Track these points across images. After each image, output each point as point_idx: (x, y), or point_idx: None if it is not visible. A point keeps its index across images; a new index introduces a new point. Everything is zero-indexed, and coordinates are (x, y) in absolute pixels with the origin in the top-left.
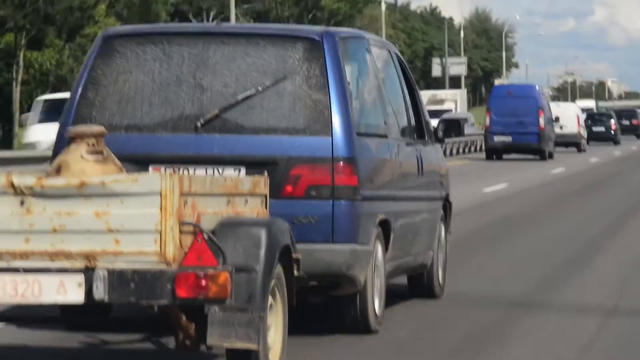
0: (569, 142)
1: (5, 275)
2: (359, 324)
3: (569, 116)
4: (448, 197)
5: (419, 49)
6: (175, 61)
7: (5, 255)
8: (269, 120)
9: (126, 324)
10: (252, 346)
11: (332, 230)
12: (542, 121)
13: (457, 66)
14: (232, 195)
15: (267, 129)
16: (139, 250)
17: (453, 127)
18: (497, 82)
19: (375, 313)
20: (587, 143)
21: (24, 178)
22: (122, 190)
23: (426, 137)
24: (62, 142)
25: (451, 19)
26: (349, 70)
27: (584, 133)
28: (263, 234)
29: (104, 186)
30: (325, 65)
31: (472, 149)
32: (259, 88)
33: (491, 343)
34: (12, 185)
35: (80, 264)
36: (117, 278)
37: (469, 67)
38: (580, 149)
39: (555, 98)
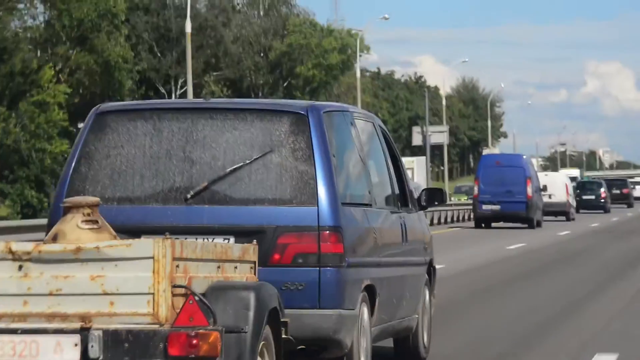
0: (558, 211)
1: (4, 336)
2: None
3: (557, 185)
4: (432, 262)
5: (403, 118)
6: (165, 135)
7: (4, 318)
8: (257, 191)
9: None
10: None
11: (318, 296)
12: (529, 190)
13: (439, 134)
14: (222, 261)
15: (255, 199)
16: (133, 312)
17: (436, 195)
18: (485, 151)
19: None
20: (577, 211)
21: (22, 245)
22: (117, 254)
23: (410, 205)
24: (57, 212)
25: (436, 88)
26: (333, 143)
27: (573, 202)
28: (252, 297)
29: (99, 251)
30: (311, 138)
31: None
32: (247, 161)
33: None
34: (11, 251)
35: (76, 324)
36: (112, 338)
37: (455, 137)
38: (569, 218)
39: (545, 167)
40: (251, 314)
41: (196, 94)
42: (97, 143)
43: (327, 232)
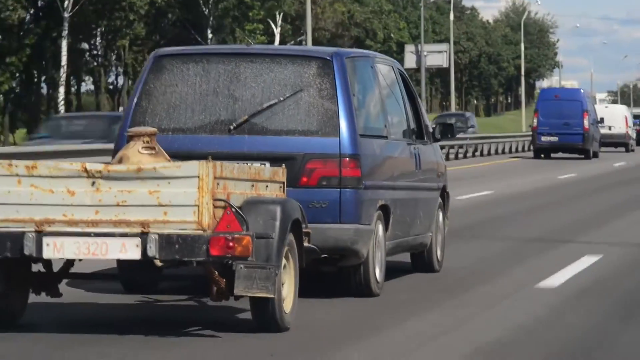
0: (618, 142)
1: (80, 238)
2: (363, 289)
3: (617, 118)
4: (445, 188)
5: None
6: (212, 76)
7: (80, 223)
8: (288, 124)
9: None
10: (269, 295)
11: (339, 213)
12: (586, 122)
13: (437, 55)
14: (255, 181)
15: (287, 131)
16: (182, 220)
17: (448, 129)
18: (545, 84)
19: (377, 280)
20: (638, 144)
21: (95, 165)
22: (169, 174)
23: (425, 138)
24: (122, 140)
25: (473, 8)
26: (355, 84)
27: (632, 134)
28: (278, 210)
29: (156, 171)
30: (335, 79)
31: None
32: (280, 98)
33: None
34: (86, 170)
35: (137, 229)
36: (166, 240)
37: (498, 65)
38: (628, 149)
39: (614, 102)
40: (277, 223)
41: None
42: (156, 82)
43: (347, 159)
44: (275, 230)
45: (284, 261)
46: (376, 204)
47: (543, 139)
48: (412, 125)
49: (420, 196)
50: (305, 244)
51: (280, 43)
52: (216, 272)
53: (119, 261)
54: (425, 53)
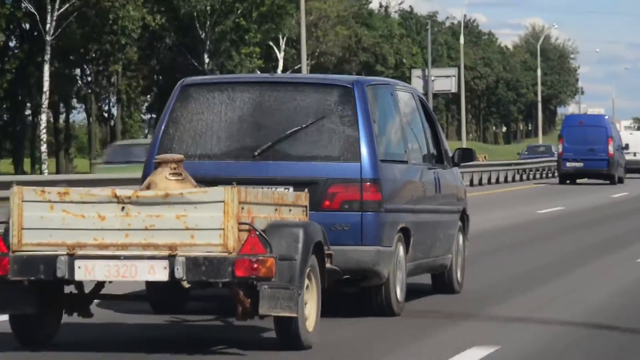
0: (634, 168)
1: (110, 261)
2: (384, 309)
3: (638, 144)
4: (465, 211)
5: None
6: (237, 104)
7: (110, 247)
8: (311, 150)
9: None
10: (292, 315)
11: (361, 235)
12: (611, 148)
13: (444, 80)
14: (279, 205)
15: (310, 156)
16: (208, 243)
17: (467, 155)
18: (570, 110)
19: (398, 300)
20: None
21: (124, 191)
22: (196, 199)
23: (445, 163)
24: (150, 166)
25: (490, 33)
26: (375, 111)
27: None
28: (301, 233)
29: (183, 196)
30: (356, 107)
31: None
32: (303, 125)
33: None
34: (116, 195)
35: (165, 252)
36: (192, 262)
37: (517, 92)
38: None
39: (639, 129)
40: (300, 245)
41: None
42: (182, 110)
43: (368, 183)
44: (298, 252)
45: (306, 282)
46: (397, 226)
47: (568, 164)
48: (432, 150)
49: (440, 219)
50: (328, 265)
51: (284, 69)
52: (241, 293)
53: (147, 283)
54: (432, 78)
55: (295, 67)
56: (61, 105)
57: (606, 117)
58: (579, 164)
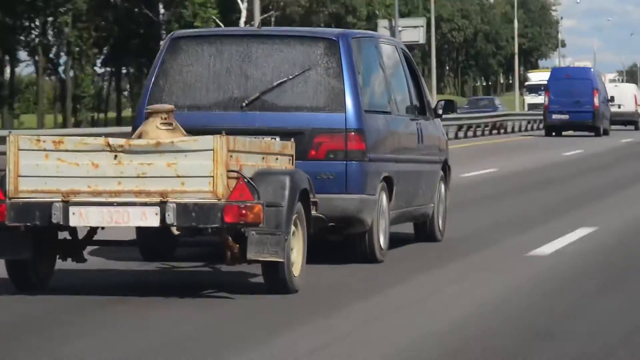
0: (627, 121)
1: (104, 208)
2: (368, 256)
3: (626, 96)
4: (447, 162)
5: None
6: (225, 56)
7: (103, 194)
8: (297, 101)
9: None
10: (279, 259)
11: (345, 183)
12: (596, 100)
13: (412, 31)
14: (266, 154)
15: (296, 107)
16: (198, 190)
17: (449, 106)
18: (554, 64)
19: (381, 247)
20: None
21: (117, 140)
22: (186, 147)
23: (427, 114)
24: (140, 116)
25: None
26: (360, 63)
27: None
28: (287, 180)
29: (173, 145)
30: (341, 59)
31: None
32: (290, 76)
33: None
34: (109, 144)
35: (156, 199)
36: (183, 209)
37: (496, 44)
38: (637, 127)
39: (622, 81)
40: (286, 192)
41: None
42: (172, 62)
43: (353, 133)
44: (285, 199)
45: (293, 228)
46: (380, 175)
47: (554, 117)
48: (415, 101)
49: (422, 169)
50: (313, 212)
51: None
52: (230, 238)
53: (137, 230)
54: (400, 28)
55: (256, 20)
56: (6, 58)
57: (592, 69)
58: (565, 116)
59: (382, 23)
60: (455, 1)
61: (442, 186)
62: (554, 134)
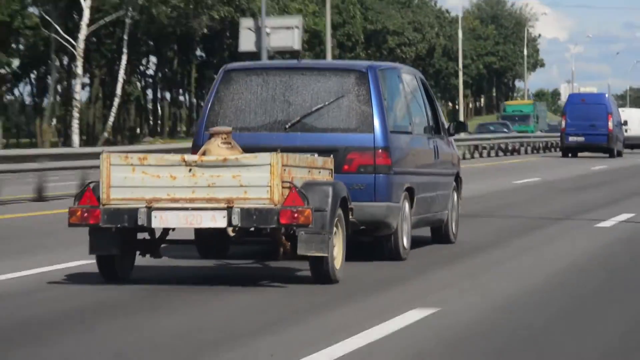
0: (634, 144)
1: (180, 212)
2: (393, 254)
3: (633, 120)
4: (459, 174)
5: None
6: (271, 85)
7: (180, 201)
8: (333, 123)
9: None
10: (324, 255)
11: (374, 193)
12: (610, 124)
13: (284, 33)
14: (311, 168)
15: (332, 128)
16: (258, 197)
17: (461, 126)
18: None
19: (404, 247)
20: None
21: (191, 157)
22: (248, 162)
23: (442, 134)
24: (199, 137)
25: None
26: (385, 90)
27: None
28: (330, 189)
29: (238, 160)
30: (369, 87)
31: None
32: (326, 102)
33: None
34: (184, 160)
35: (224, 205)
36: (246, 212)
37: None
38: None
39: (622, 105)
40: (329, 199)
41: None
42: (225, 91)
43: (380, 150)
44: (328, 205)
45: (334, 229)
46: (403, 186)
47: (571, 139)
48: (431, 122)
49: (438, 180)
50: (350, 217)
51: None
52: (283, 237)
53: (196, 232)
54: (267, 30)
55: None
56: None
57: (606, 95)
58: (581, 138)
59: (246, 23)
60: (405, 11)
61: (455, 195)
62: (570, 155)
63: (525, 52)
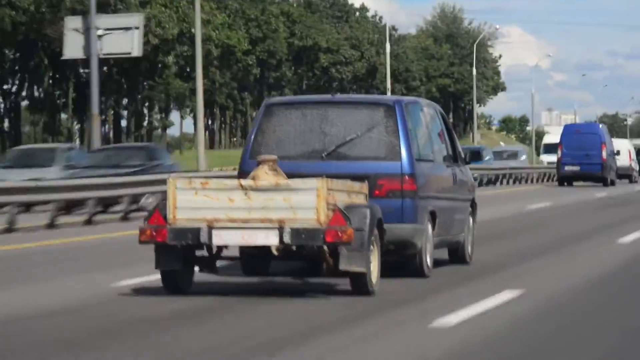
0: (622, 174)
1: (237, 231)
2: (418, 271)
3: (622, 150)
4: (474, 200)
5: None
6: (308, 118)
7: (237, 221)
8: (364, 152)
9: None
10: (363, 270)
11: (401, 216)
12: (604, 154)
13: (120, 37)
14: (350, 192)
15: (363, 157)
16: (306, 218)
17: (476, 155)
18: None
19: (428, 265)
20: (639, 175)
21: (246, 181)
22: (297, 187)
23: (459, 162)
24: (244, 164)
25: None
26: (410, 122)
27: (635, 166)
28: (368, 211)
29: (288, 185)
30: (397, 120)
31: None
32: (358, 133)
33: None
34: (241, 185)
35: (276, 224)
36: (296, 232)
37: (406, 84)
38: (631, 180)
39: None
40: (367, 220)
41: None
42: (267, 123)
43: (407, 177)
44: (367, 225)
45: (372, 247)
46: (427, 209)
47: (567, 168)
48: (450, 151)
49: (456, 205)
50: (384, 236)
51: None
52: (327, 254)
53: (240, 251)
54: (99, 31)
55: None
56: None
57: (600, 125)
58: (576, 168)
59: (72, 23)
60: (342, 26)
61: (471, 219)
62: (565, 184)
63: (474, 72)
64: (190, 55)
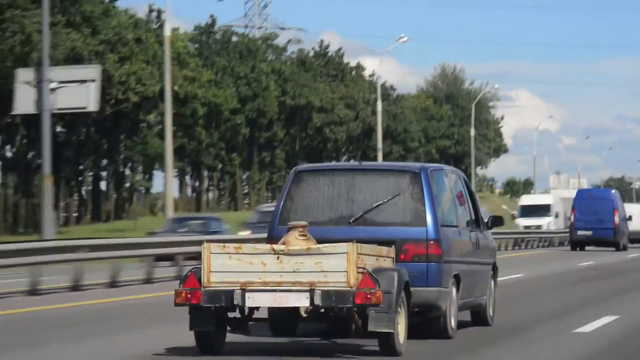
0: (634, 239)
1: (269, 294)
2: (442, 333)
3: (634, 215)
4: (495, 263)
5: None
6: (336, 185)
7: (270, 284)
8: (390, 218)
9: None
10: (391, 331)
11: (427, 279)
12: (617, 219)
13: (75, 90)
14: (378, 256)
15: (390, 223)
16: (337, 281)
17: (497, 220)
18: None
19: (452, 327)
20: None
21: (278, 246)
22: (328, 251)
23: (481, 227)
24: (273, 229)
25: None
26: (435, 188)
27: None
28: (396, 275)
29: (319, 249)
30: (422, 186)
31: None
32: (384, 199)
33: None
34: (273, 249)
35: (307, 287)
36: (326, 294)
37: (404, 145)
38: None
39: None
40: (395, 283)
41: None
42: (296, 189)
43: (432, 242)
44: (394, 287)
45: (399, 309)
46: (451, 273)
47: (579, 232)
48: (472, 216)
49: (479, 269)
50: (410, 299)
51: None
52: (357, 315)
53: (269, 313)
54: (53, 84)
55: None
56: None
57: (612, 191)
58: (589, 232)
59: (24, 75)
60: (337, 85)
61: (492, 282)
62: (578, 248)
63: (473, 132)
64: (175, 113)
